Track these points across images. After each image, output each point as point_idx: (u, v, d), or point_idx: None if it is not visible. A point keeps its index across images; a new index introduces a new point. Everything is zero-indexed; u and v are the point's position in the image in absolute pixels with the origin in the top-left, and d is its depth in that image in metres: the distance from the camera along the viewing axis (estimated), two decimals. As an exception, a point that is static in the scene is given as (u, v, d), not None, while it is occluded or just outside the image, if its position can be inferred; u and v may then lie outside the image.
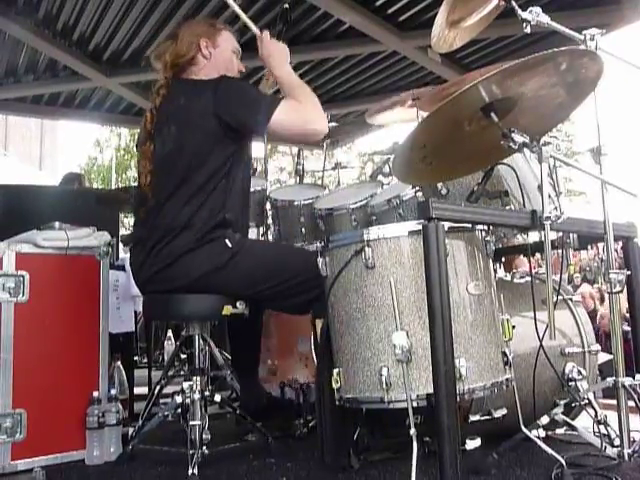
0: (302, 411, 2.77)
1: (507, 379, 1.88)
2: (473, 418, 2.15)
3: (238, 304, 2.22)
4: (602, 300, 6.94)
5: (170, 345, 4.30)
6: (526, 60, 1.71)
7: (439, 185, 2.20)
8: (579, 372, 2.34)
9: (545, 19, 2.10)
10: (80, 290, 2.50)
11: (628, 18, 5.66)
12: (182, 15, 6.38)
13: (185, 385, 2.24)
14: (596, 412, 2.27)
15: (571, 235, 2.29)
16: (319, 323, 2.08)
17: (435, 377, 1.57)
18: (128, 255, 2.74)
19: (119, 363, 2.76)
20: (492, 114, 1.79)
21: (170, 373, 3.14)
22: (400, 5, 6.46)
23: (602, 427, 2.20)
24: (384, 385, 1.75)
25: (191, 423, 2.13)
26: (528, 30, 2.13)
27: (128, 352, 3.26)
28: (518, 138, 1.77)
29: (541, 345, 2.15)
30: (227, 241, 2.17)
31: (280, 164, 22.45)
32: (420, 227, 1.78)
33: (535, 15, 2.09)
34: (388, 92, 8.40)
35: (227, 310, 2.18)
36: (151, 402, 2.87)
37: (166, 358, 4.44)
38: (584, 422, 2.46)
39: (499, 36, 7.24)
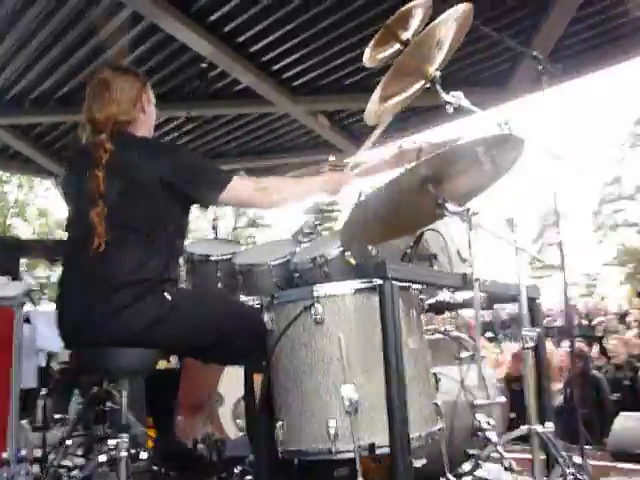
0: (217, 467, 2.76)
1: (440, 429, 2.02)
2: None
3: (172, 358, 2.21)
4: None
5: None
6: (443, 152, 1.94)
7: (369, 247, 2.35)
8: (488, 422, 2.53)
9: (465, 103, 2.36)
10: (-8, 343, 2.37)
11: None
12: (76, 60, 6.32)
13: (111, 442, 2.16)
14: (502, 459, 2.48)
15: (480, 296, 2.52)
16: (257, 377, 2.12)
17: (392, 425, 1.67)
18: (34, 307, 2.63)
19: (25, 422, 2.60)
20: (429, 185, 1.98)
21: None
22: (296, 71, 6.81)
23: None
24: (332, 437, 1.82)
25: (122, 482, 2.06)
26: (451, 111, 2.38)
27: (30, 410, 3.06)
28: (452, 208, 1.97)
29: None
30: (166, 294, 2.17)
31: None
32: (364, 285, 1.92)
33: (457, 99, 2.35)
34: (276, 152, 8.72)
35: (161, 364, 2.16)
36: (52, 464, 2.71)
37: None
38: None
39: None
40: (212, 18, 5.87)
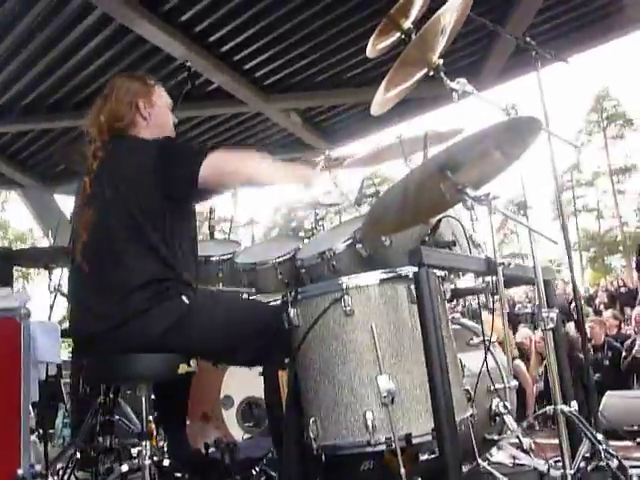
0: (230, 471, 2.72)
1: (471, 415, 2.02)
2: (422, 457, 2.26)
3: (192, 362, 2.16)
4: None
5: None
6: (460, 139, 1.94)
7: (383, 237, 2.34)
8: (505, 406, 2.55)
9: (470, 89, 2.37)
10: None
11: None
12: (41, 68, 6.17)
13: (134, 451, 2.11)
14: (521, 442, 2.50)
15: (492, 280, 2.53)
16: (283, 374, 2.09)
17: (437, 413, 1.65)
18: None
19: (34, 436, 2.52)
20: (447, 172, 1.97)
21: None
22: (268, 69, 6.77)
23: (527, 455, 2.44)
24: (370, 429, 1.80)
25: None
26: (456, 99, 2.38)
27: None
28: (471, 193, 1.96)
29: (477, 383, 2.33)
30: (184, 297, 2.13)
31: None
32: (388, 275, 1.92)
33: (462, 85, 2.35)
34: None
35: (183, 368, 2.11)
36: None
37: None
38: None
39: (355, 102, 7.82)
40: (183, 18, 5.79)
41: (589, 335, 7.71)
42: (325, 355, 1.91)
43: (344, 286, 1.90)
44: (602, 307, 13.81)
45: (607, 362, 7.35)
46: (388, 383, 1.80)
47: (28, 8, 5.32)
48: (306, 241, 3.02)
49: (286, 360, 2.12)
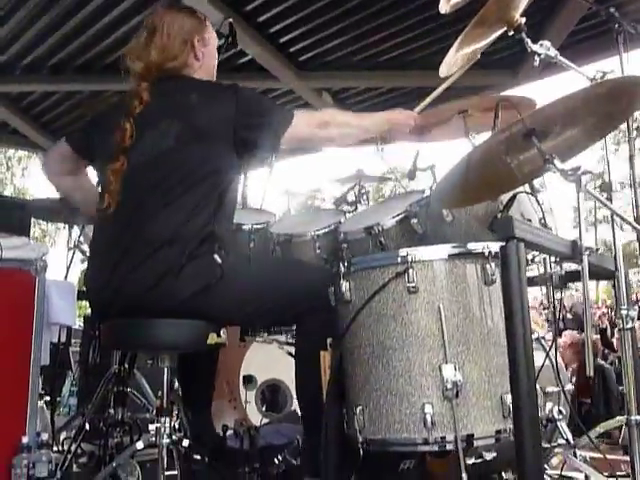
0: (249, 458, 2.49)
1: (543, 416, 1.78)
2: (469, 461, 2.02)
3: (222, 332, 1.93)
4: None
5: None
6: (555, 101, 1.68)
7: (444, 212, 2.09)
8: (560, 412, 2.29)
9: (553, 52, 2.11)
10: (9, 311, 2.06)
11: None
12: (70, 27, 5.94)
13: (151, 427, 1.89)
14: (575, 453, 2.25)
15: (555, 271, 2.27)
16: (326, 355, 1.85)
17: (519, 413, 1.39)
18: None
19: (42, 403, 2.30)
20: (534, 139, 1.72)
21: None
22: (303, 45, 6.50)
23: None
24: (429, 424, 1.56)
25: (167, 474, 1.78)
26: (537, 63, 2.13)
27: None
28: (559, 165, 1.71)
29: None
30: (216, 257, 1.89)
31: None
32: (458, 250, 1.67)
33: (545, 49, 2.10)
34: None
35: (212, 339, 1.88)
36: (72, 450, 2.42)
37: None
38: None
39: (392, 86, 7.54)
40: (221, -17, 5.55)
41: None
42: (380, 337, 1.66)
43: (409, 259, 1.65)
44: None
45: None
46: (454, 374, 1.56)
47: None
48: (349, 215, 2.77)
49: (329, 340, 1.89)
